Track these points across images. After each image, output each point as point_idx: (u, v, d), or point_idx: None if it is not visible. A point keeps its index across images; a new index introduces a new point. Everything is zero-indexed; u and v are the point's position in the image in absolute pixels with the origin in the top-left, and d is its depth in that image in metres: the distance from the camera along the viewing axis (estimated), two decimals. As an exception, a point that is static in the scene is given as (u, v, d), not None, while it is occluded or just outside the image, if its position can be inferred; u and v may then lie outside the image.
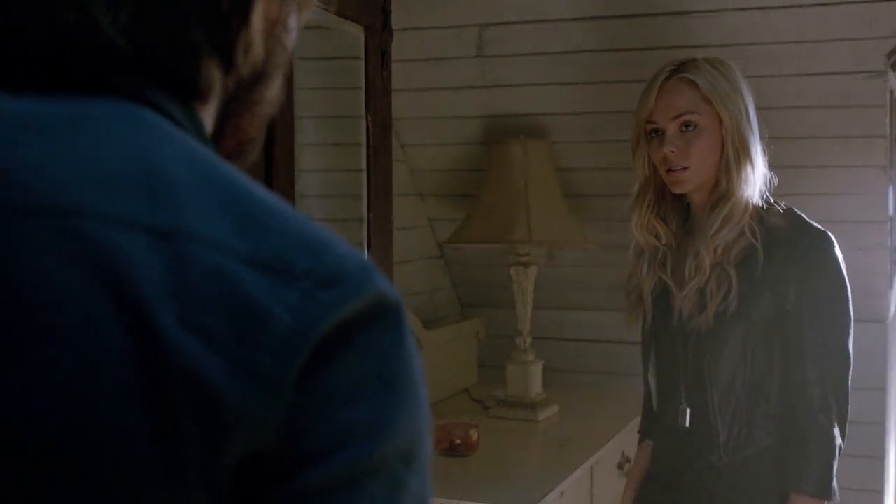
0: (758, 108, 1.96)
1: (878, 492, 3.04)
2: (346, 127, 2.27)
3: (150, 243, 0.49)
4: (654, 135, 1.93)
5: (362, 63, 2.21)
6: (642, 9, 2.77)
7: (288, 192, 1.86)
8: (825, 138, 2.81)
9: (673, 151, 1.88)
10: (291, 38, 0.64)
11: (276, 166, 1.82)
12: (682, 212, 2.01)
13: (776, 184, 1.95)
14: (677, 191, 1.93)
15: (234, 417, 0.48)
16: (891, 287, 3.07)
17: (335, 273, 0.51)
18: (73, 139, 0.52)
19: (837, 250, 1.88)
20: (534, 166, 2.94)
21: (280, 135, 1.83)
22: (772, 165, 1.96)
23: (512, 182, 2.93)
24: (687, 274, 1.92)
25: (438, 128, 3.20)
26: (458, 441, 2.44)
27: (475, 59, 2.98)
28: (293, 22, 0.63)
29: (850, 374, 1.87)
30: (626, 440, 2.66)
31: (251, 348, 0.48)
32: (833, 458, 1.84)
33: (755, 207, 1.89)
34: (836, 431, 1.84)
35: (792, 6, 2.61)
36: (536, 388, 2.96)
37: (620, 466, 2.69)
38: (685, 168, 1.88)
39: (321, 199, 2.26)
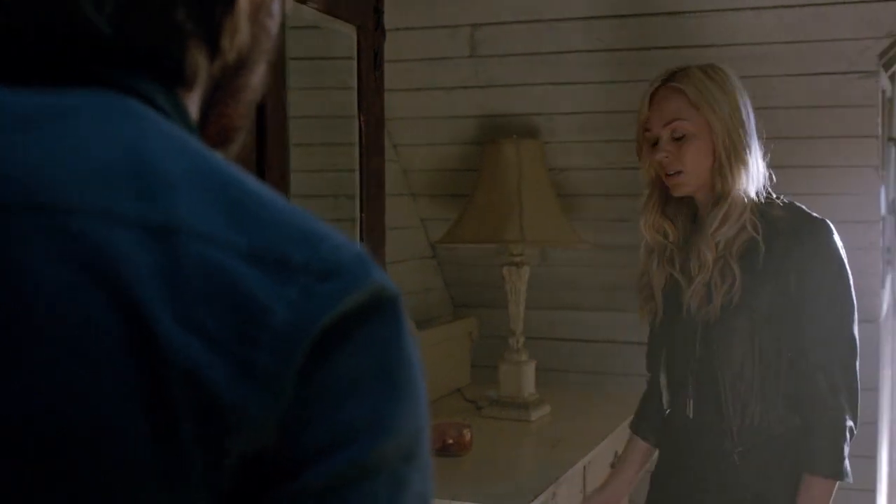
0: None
1: (871, 491, 3.05)
2: (338, 127, 2.26)
3: (142, 239, 0.48)
4: (651, 141, 2.02)
5: (355, 63, 2.20)
6: (636, 9, 2.77)
7: (280, 191, 1.85)
8: (817, 138, 2.81)
9: (667, 157, 1.96)
10: (275, 23, 0.63)
11: (268, 166, 1.81)
12: (689, 211, 2.08)
13: (773, 182, 2.00)
14: (676, 194, 2.01)
15: (235, 417, 0.47)
16: (883, 286, 3.08)
17: (332, 266, 0.51)
18: (61, 133, 0.51)
19: (837, 238, 1.94)
20: (527, 166, 2.94)
21: (272, 134, 1.82)
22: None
23: (505, 182, 2.93)
24: (693, 270, 1.99)
25: (431, 128, 3.20)
26: (451, 441, 2.44)
27: (468, 58, 2.97)
28: (276, 7, 0.63)
29: (857, 359, 1.94)
30: (619, 440, 2.66)
31: (251, 346, 0.48)
32: (844, 439, 1.90)
33: (756, 202, 1.95)
34: (848, 415, 1.90)
35: (784, 6, 2.61)
36: (529, 388, 2.96)
37: (613, 466, 2.69)
38: (680, 172, 1.96)
39: (313, 199, 2.25)
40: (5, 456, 0.46)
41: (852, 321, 1.94)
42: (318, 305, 0.49)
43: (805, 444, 1.92)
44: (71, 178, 0.49)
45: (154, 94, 0.56)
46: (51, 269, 0.47)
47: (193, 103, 0.60)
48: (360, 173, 2.21)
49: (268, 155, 1.81)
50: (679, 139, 1.95)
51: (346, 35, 2.19)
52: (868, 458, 3.02)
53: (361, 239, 2.19)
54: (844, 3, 2.56)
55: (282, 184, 1.87)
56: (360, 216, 2.21)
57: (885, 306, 3.10)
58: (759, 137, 1.99)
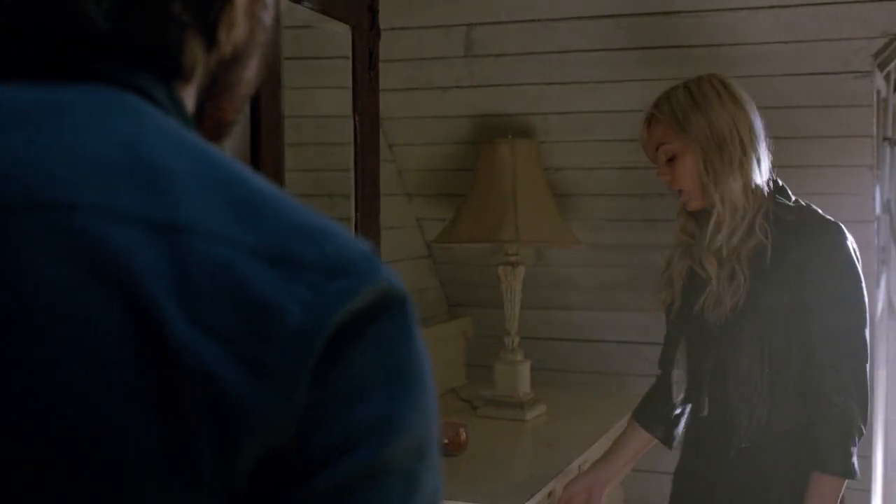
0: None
1: (866, 490, 3.05)
2: (333, 126, 2.26)
3: (147, 236, 0.47)
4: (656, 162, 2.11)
5: (350, 62, 2.20)
6: (631, 9, 2.77)
7: (275, 191, 1.84)
8: (812, 138, 2.81)
9: (665, 178, 2.05)
10: (270, 16, 0.63)
11: (263, 165, 1.81)
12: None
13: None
14: (689, 209, 2.08)
15: (248, 418, 0.47)
16: (878, 287, 3.08)
17: (342, 264, 0.50)
18: (58, 130, 0.50)
19: (850, 241, 1.97)
20: (522, 166, 2.94)
21: (267, 134, 1.82)
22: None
23: (500, 182, 2.93)
24: (705, 276, 2.04)
25: (426, 127, 3.19)
26: (447, 441, 2.44)
27: (463, 58, 2.97)
28: (271, 0, 0.63)
29: (868, 361, 1.97)
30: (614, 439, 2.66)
31: (263, 345, 0.47)
32: (852, 438, 1.92)
33: (768, 206, 1.98)
34: (856, 415, 1.92)
35: (779, 6, 2.61)
36: (524, 387, 2.96)
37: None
38: (681, 190, 2.04)
39: (309, 199, 2.25)
40: (5, 456, 0.46)
41: (863, 323, 1.96)
42: (330, 304, 0.49)
43: (814, 443, 1.94)
44: (70, 176, 0.49)
45: (152, 89, 0.55)
46: (51, 268, 0.47)
47: (190, 97, 0.59)
48: (355, 173, 2.21)
49: (263, 154, 1.81)
50: (671, 160, 2.03)
51: (340, 35, 2.19)
52: (863, 458, 3.02)
53: (356, 238, 2.19)
54: (839, 2, 2.56)
55: (277, 183, 1.87)
56: (356, 216, 2.21)
57: (879, 306, 3.10)
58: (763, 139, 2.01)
